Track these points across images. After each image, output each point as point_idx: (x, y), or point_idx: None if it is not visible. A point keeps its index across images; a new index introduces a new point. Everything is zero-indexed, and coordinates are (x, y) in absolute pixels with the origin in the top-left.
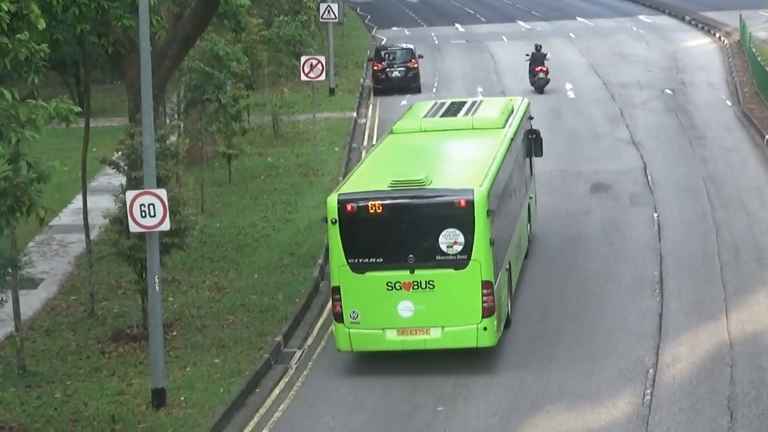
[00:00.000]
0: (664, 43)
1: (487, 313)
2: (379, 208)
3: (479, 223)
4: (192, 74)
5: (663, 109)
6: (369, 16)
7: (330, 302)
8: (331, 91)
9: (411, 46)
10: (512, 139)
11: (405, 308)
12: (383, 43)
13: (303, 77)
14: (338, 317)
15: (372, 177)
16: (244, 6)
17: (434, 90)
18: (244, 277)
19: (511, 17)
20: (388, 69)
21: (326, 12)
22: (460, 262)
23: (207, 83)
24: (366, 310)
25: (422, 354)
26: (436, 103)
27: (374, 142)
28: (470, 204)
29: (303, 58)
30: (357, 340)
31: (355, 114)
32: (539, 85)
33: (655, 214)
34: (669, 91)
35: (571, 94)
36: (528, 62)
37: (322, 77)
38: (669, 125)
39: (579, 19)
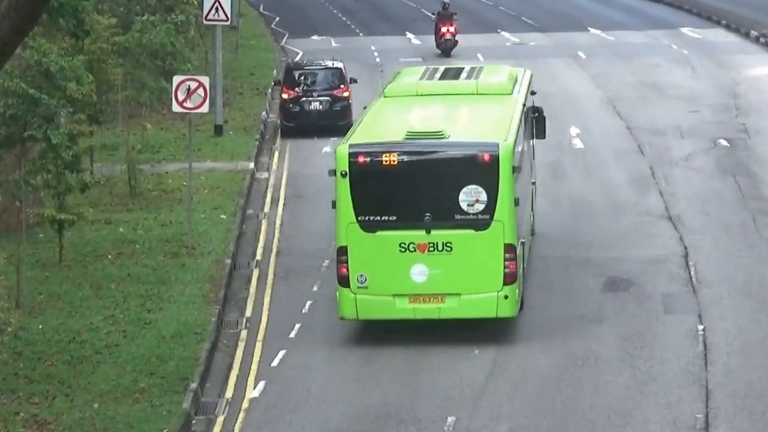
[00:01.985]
0: (718, 70)
1: (509, 279)
2: (394, 161)
3: (504, 179)
4: (8, 99)
5: (715, 168)
6: (277, 19)
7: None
8: (218, 130)
9: (340, 65)
10: (524, 107)
11: (419, 273)
12: (298, 59)
13: (176, 107)
14: (344, 281)
15: (382, 129)
16: None
17: None
18: (78, 407)
19: (491, 25)
20: (303, 99)
21: (213, 10)
22: (482, 222)
23: (30, 113)
24: (375, 274)
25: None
26: (427, 68)
27: (280, 206)
28: (495, 158)
29: (176, 79)
30: (364, 307)
31: (252, 165)
32: (446, 47)
33: (700, 327)
34: (724, 142)
35: (578, 144)
36: (434, 21)
37: (205, 108)
38: (723, 193)
39: (592, 31)
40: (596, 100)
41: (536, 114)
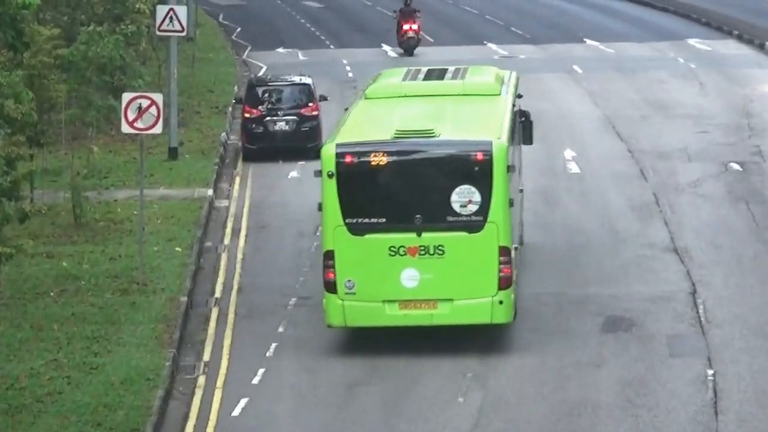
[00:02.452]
0: (729, 86)
1: (504, 284)
2: (383, 161)
3: (498, 179)
4: None
5: (726, 195)
6: (239, 29)
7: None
8: (172, 153)
9: (308, 81)
10: (513, 108)
11: (409, 277)
12: (261, 74)
13: (126, 128)
14: (330, 287)
15: (368, 129)
16: (31, 6)
17: None
18: None
19: (476, 37)
20: (268, 118)
21: (167, 20)
22: (475, 224)
23: None
24: (364, 279)
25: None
26: (409, 70)
27: (242, 237)
28: (488, 157)
29: (126, 97)
30: (352, 313)
31: (210, 192)
32: (408, 46)
33: (710, 372)
34: (736, 166)
35: (573, 168)
36: (395, 19)
37: (158, 129)
38: (735, 223)
39: (589, 42)
40: (594, 119)
41: (523, 118)
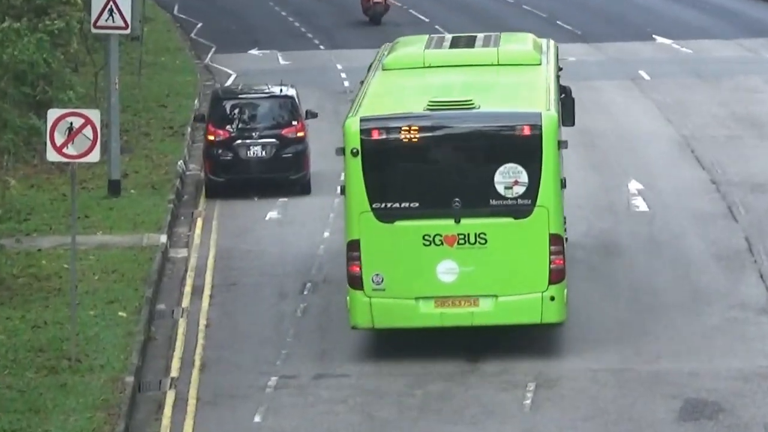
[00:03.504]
0: None
1: (555, 277)
2: (415, 136)
3: (548, 156)
4: None
5: None
6: (200, 25)
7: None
8: (114, 187)
9: (291, 93)
10: (558, 79)
11: (447, 270)
12: (230, 84)
13: (53, 155)
14: (356, 282)
15: (395, 100)
16: None
17: (339, 194)
18: None
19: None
20: (239, 142)
21: (106, 14)
22: (522, 208)
23: None
24: (394, 273)
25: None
26: (431, 37)
27: (206, 298)
28: (537, 131)
29: (53, 114)
30: (380, 312)
31: (163, 238)
32: (375, 13)
33: None
34: None
35: (640, 205)
36: None
37: (94, 156)
38: None
39: (660, 40)
40: (666, 141)
41: (563, 94)
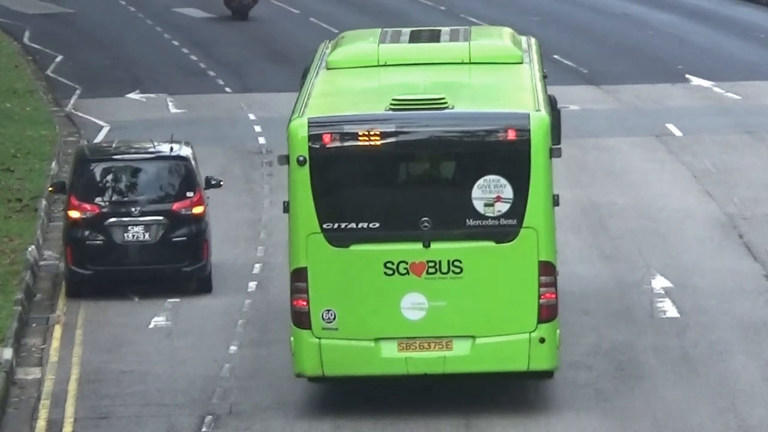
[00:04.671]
0: None
1: (546, 314)
2: (376, 141)
3: (537, 166)
4: None
5: None
6: (59, 58)
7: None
8: None
9: (186, 153)
10: (544, 80)
11: (413, 305)
12: (100, 140)
13: None
14: (302, 320)
15: (349, 100)
16: None
17: (251, 292)
18: None
19: None
20: (113, 220)
21: None
22: (506, 230)
23: None
24: (349, 309)
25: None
26: (385, 31)
27: None
28: (525, 135)
29: None
30: (332, 357)
31: (7, 354)
32: (240, 6)
33: None
34: None
35: (668, 309)
36: None
37: None
38: None
39: (696, 81)
40: (704, 221)
41: (550, 106)
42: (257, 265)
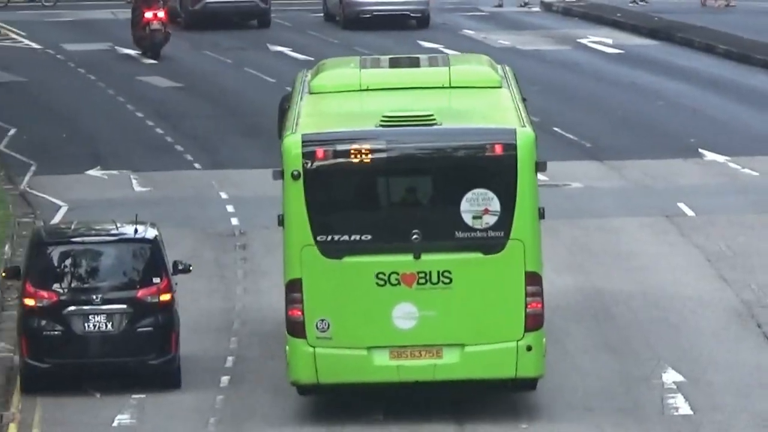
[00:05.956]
0: None
1: (532, 323)
2: (367, 156)
3: (524, 180)
4: None
5: None
6: (12, 131)
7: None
8: None
9: (151, 235)
10: (524, 102)
11: (405, 315)
12: (57, 221)
13: None
14: (297, 329)
15: (339, 117)
16: None
17: (224, 387)
18: None
19: None
20: (72, 308)
21: None
22: (493, 242)
23: None
24: (343, 319)
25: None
26: (363, 58)
27: None
28: (511, 150)
29: None
30: (326, 366)
31: None
32: (152, 43)
33: None
34: None
35: (680, 406)
36: (131, 5)
37: None
38: None
39: (710, 156)
40: (719, 310)
41: None
42: (230, 358)
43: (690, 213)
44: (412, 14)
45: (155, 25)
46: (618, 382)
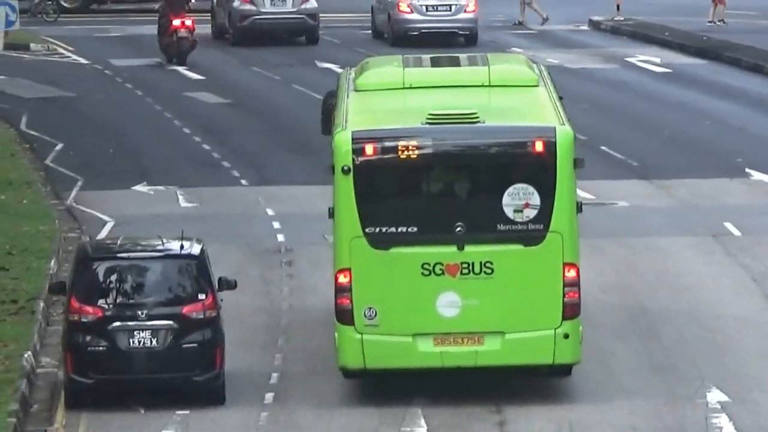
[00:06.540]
0: None
1: (570, 312)
2: (414, 153)
3: (563, 176)
4: None
5: None
6: (59, 146)
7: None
8: None
9: (196, 251)
10: (561, 101)
11: (448, 303)
12: (103, 236)
13: None
14: (345, 316)
15: (387, 115)
16: None
17: (268, 404)
18: None
19: None
20: (117, 324)
21: None
22: (533, 234)
23: None
24: (389, 307)
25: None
26: (406, 57)
27: None
28: (551, 147)
29: None
30: (373, 351)
31: None
32: (180, 51)
33: None
34: None
35: (724, 426)
36: (159, 11)
37: None
38: None
39: (757, 176)
40: (765, 329)
41: None
42: (275, 375)
43: (737, 233)
44: (460, 32)
45: (183, 32)
46: (663, 401)
